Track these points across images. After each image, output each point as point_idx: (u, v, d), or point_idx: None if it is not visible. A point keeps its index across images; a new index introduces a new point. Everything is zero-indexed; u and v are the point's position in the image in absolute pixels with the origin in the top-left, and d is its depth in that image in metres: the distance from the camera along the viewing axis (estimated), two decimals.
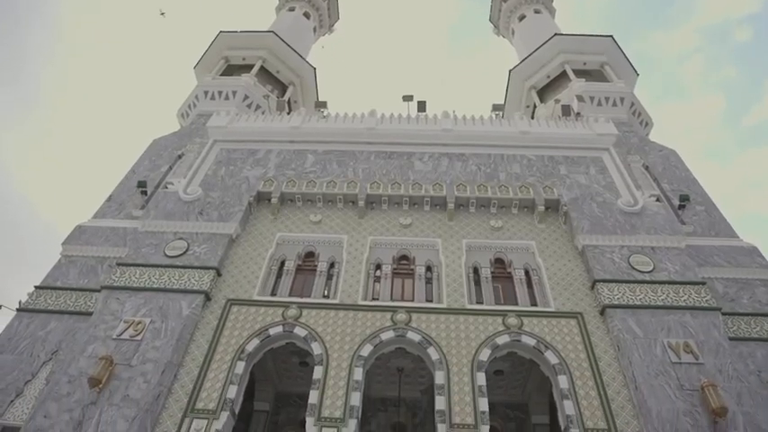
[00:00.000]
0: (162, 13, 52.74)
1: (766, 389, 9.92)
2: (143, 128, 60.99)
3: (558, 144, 15.79)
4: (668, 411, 9.02)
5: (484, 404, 9.60)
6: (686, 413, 9.00)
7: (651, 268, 11.71)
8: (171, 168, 16.04)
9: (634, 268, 11.73)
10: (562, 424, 9.57)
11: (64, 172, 60.56)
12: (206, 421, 9.41)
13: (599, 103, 19.17)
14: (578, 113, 18.24)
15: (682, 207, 14.15)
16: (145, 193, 14.79)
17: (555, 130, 16.19)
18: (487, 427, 9.31)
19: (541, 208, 13.70)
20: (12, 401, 10.07)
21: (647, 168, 15.72)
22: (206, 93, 20.05)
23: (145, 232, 12.94)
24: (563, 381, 9.94)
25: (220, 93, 19.98)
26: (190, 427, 9.33)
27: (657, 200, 13.78)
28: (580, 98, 18.98)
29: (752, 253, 12.81)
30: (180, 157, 16.54)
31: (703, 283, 11.33)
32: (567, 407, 9.55)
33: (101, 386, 9.42)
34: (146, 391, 9.48)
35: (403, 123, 16.69)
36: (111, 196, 15.17)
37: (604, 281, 11.46)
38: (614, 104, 19.25)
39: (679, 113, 65.62)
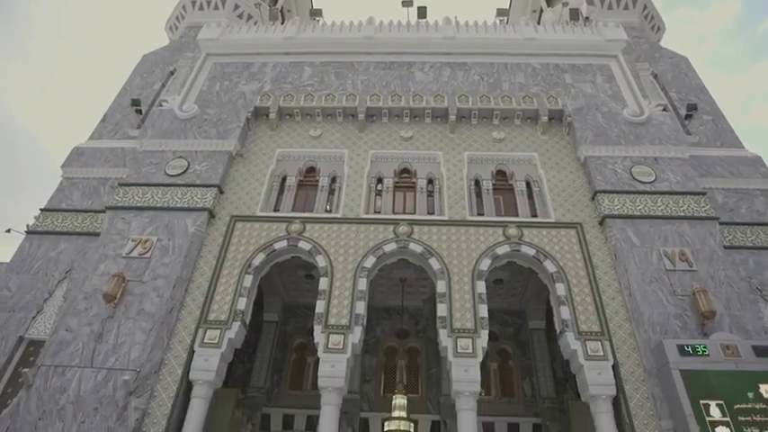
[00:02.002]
0: None
1: (754, 294, 10.33)
2: (131, 42, 58.54)
3: (564, 51, 15.16)
4: (659, 315, 9.44)
5: (483, 311, 10.02)
6: (676, 316, 9.43)
7: (653, 179, 11.71)
8: (164, 86, 15.60)
9: (635, 179, 11.73)
10: (558, 328, 10.04)
11: (59, 95, 59.05)
12: (219, 331, 9.90)
13: (609, 7, 18.18)
14: (587, 18, 17.37)
15: (689, 117, 13.88)
16: (140, 111, 14.48)
17: (562, 36, 15.48)
18: (486, 332, 9.78)
19: (545, 119, 13.44)
20: (34, 318, 10.56)
21: (655, 77, 15.24)
22: (193, 2, 18.99)
23: (144, 152, 12.84)
24: (560, 288, 10.30)
25: (209, 2, 18.93)
26: (204, 336, 9.83)
27: (664, 109, 13.46)
28: (590, 1, 17.96)
29: (755, 163, 12.75)
30: (172, 73, 16.01)
31: (703, 194, 11.38)
32: (564, 312, 9.97)
33: (116, 301, 9.82)
34: (159, 305, 9.88)
35: (402, 31, 15.92)
36: (105, 116, 14.88)
37: (605, 192, 11.50)
38: (625, 7, 18.26)
39: (692, 20, 62.34)
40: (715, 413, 7.87)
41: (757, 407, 7.88)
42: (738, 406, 7.91)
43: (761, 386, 8.05)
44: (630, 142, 12.50)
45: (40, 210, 12.26)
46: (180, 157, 12.58)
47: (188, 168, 12.30)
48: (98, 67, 62.69)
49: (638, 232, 10.72)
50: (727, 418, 7.80)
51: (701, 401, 7.97)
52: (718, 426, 7.75)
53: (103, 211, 11.73)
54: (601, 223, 11.22)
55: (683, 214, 10.98)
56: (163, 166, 12.38)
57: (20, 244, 11.66)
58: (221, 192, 12.11)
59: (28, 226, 11.97)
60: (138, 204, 11.57)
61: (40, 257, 11.35)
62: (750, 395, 7.99)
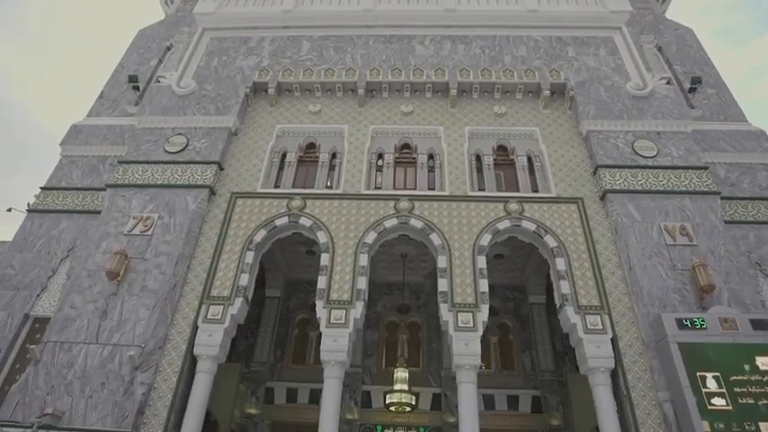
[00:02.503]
0: None
1: (754, 268, 10.37)
2: (127, 16, 57.58)
3: (567, 23, 14.88)
4: (659, 289, 9.51)
5: (484, 285, 10.09)
6: (675, 290, 9.50)
7: (655, 153, 11.64)
8: (161, 61, 15.37)
9: (637, 153, 11.66)
10: (558, 302, 10.13)
11: (56, 72, 58.35)
12: (222, 307, 10.00)
13: None
14: None
15: (693, 90, 13.71)
16: (137, 88, 14.33)
17: (565, 8, 15.17)
18: (487, 306, 9.88)
19: (547, 93, 13.29)
20: (38, 295, 10.66)
21: (659, 49, 14.99)
22: None
23: (142, 129, 12.75)
24: (560, 263, 10.35)
25: None
26: (207, 312, 9.93)
27: (668, 83, 13.30)
28: None
29: (759, 137, 12.65)
30: (169, 48, 15.77)
31: (705, 168, 11.33)
32: (564, 286, 10.04)
33: (119, 279, 9.89)
34: (162, 282, 9.96)
35: (402, 4, 15.60)
36: (102, 93, 14.72)
37: (607, 166, 11.46)
38: None
39: None
40: (711, 385, 8.00)
41: (753, 379, 8.01)
42: (734, 378, 8.03)
43: (757, 359, 8.16)
44: (633, 116, 12.39)
45: (40, 188, 12.24)
46: (179, 134, 12.51)
47: (187, 145, 12.24)
48: (94, 43, 61.82)
49: (638, 207, 10.72)
50: (723, 390, 7.94)
51: (698, 373, 8.09)
52: (714, 397, 7.89)
53: (104, 189, 11.71)
54: (602, 198, 11.21)
55: (684, 189, 10.95)
56: (162, 144, 12.32)
57: (21, 222, 11.69)
58: (221, 168, 12.07)
59: (29, 204, 11.98)
60: (139, 182, 11.55)
61: (42, 236, 11.39)
62: (746, 367, 8.11)
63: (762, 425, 7.62)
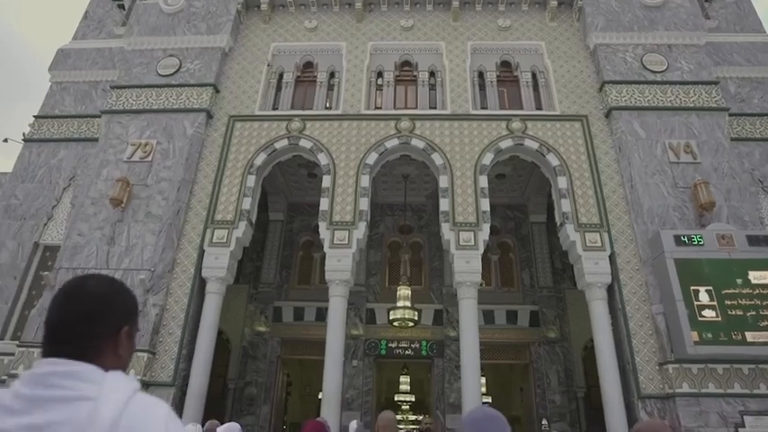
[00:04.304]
0: None
1: (756, 185, 10.36)
2: None
3: None
4: (659, 207, 9.57)
5: (485, 205, 10.17)
6: (676, 208, 9.56)
7: (664, 68, 11.21)
8: None
9: (646, 68, 11.24)
10: (558, 220, 10.25)
11: None
12: (226, 231, 10.16)
13: None
14: None
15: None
16: (122, 6, 13.62)
17: None
18: (488, 225, 10.01)
19: (554, 3, 12.56)
20: (45, 224, 10.82)
21: None
22: None
23: (132, 51, 12.24)
24: (562, 181, 10.35)
25: None
26: (212, 236, 10.11)
27: None
28: None
29: None
30: None
31: (716, 83, 10.96)
32: (564, 205, 10.11)
33: (123, 206, 9.97)
34: (166, 208, 10.05)
35: None
36: (86, 13, 14.01)
37: (613, 82, 11.10)
38: None
39: None
40: (703, 298, 8.28)
41: (744, 292, 8.27)
42: (726, 291, 8.29)
43: (750, 273, 8.37)
44: (644, 28, 11.80)
45: (34, 117, 12.03)
46: (171, 55, 12.04)
47: (180, 67, 11.83)
48: None
49: (644, 124, 10.52)
50: (714, 303, 8.23)
51: (692, 287, 8.35)
52: (704, 309, 8.20)
53: (99, 116, 11.50)
54: (607, 115, 10.97)
55: (692, 105, 10.67)
56: (154, 66, 11.90)
57: (19, 152, 11.61)
58: (217, 91, 11.75)
59: (24, 134, 11.82)
60: (134, 107, 11.30)
61: (42, 165, 11.35)
62: (739, 281, 8.34)
63: (748, 334, 7.98)
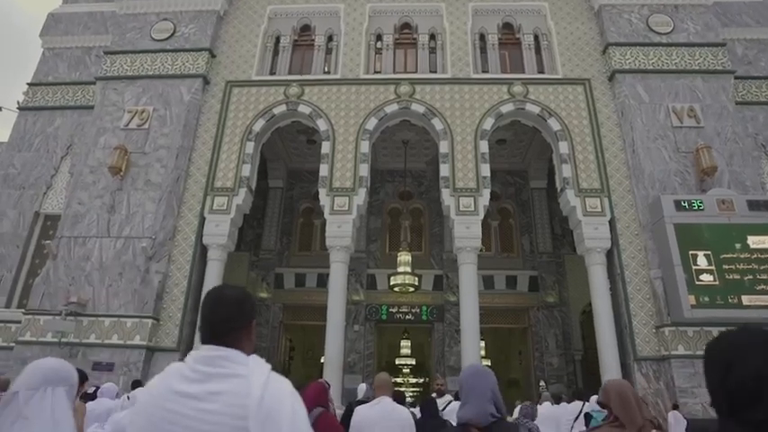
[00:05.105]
0: None
1: (759, 150, 10.28)
2: None
3: None
4: (660, 172, 9.52)
5: (486, 170, 10.13)
6: (677, 173, 9.51)
7: (670, 29, 10.94)
8: None
9: (652, 29, 10.97)
10: (559, 186, 10.22)
11: None
12: (226, 198, 10.15)
13: None
14: None
15: None
16: None
17: None
18: (488, 191, 10.00)
19: None
20: (45, 193, 10.80)
21: None
22: None
23: (125, 15, 11.93)
24: (563, 146, 10.26)
25: None
26: (212, 203, 10.11)
27: None
28: None
29: None
30: None
31: (723, 45, 10.72)
32: (565, 170, 10.06)
33: (122, 174, 9.93)
34: (165, 176, 10.01)
35: None
36: None
37: (618, 44, 10.87)
38: None
39: None
40: (701, 262, 8.34)
41: (741, 256, 8.33)
42: (724, 255, 8.35)
43: (749, 237, 8.41)
44: None
45: (28, 84, 11.84)
46: (165, 19, 11.75)
47: (175, 31, 11.56)
48: None
49: (648, 87, 10.35)
50: (712, 267, 8.30)
51: (690, 252, 8.41)
52: (702, 273, 8.27)
53: (94, 83, 11.31)
54: (610, 79, 10.79)
55: (697, 68, 10.48)
56: (148, 31, 11.63)
57: (15, 121, 11.48)
58: (213, 56, 11.52)
59: (18, 102, 11.66)
60: (129, 74, 11.10)
61: (38, 134, 11.25)
62: (737, 245, 8.39)
63: (744, 297, 8.08)
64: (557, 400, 7.38)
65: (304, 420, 1.31)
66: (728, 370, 1.00)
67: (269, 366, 1.37)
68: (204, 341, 1.40)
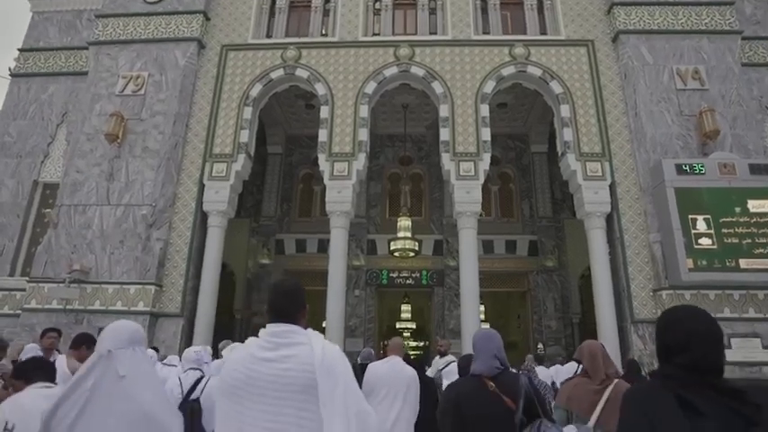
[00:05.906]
0: None
1: (763, 113, 10.13)
2: None
3: None
4: (662, 135, 9.43)
5: (486, 134, 10.03)
6: (679, 137, 9.42)
7: None
8: None
9: None
10: (560, 150, 10.14)
11: None
12: (225, 164, 10.10)
13: None
14: None
15: None
16: None
17: None
18: (489, 155, 9.93)
19: None
20: (42, 162, 10.73)
21: None
22: None
23: None
24: (565, 110, 10.13)
25: None
26: (211, 170, 10.07)
27: None
28: None
29: None
30: None
31: (731, 3, 10.41)
32: (566, 134, 9.96)
33: (119, 141, 9.84)
34: (162, 142, 9.93)
35: None
36: None
37: (622, 4, 10.57)
38: None
39: None
40: (701, 226, 8.36)
41: (741, 220, 8.34)
42: (724, 219, 8.36)
43: (749, 201, 8.40)
44: None
45: (18, 50, 11.59)
46: None
47: None
48: None
49: (652, 49, 10.13)
50: (711, 231, 8.32)
51: (690, 216, 8.41)
52: (701, 237, 8.30)
53: (86, 48, 11.07)
54: (614, 40, 10.55)
55: (704, 28, 10.22)
56: None
57: (8, 89, 11.29)
58: (207, 18, 11.23)
59: (10, 69, 11.44)
60: (122, 38, 10.85)
61: (32, 101, 11.08)
62: (737, 209, 8.39)
63: (742, 261, 8.14)
64: (539, 361, 7.70)
65: (351, 372, 1.80)
66: (666, 330, 1.54)
67: (322, 336, 1.84)
68: (272, 320, 1.85)
